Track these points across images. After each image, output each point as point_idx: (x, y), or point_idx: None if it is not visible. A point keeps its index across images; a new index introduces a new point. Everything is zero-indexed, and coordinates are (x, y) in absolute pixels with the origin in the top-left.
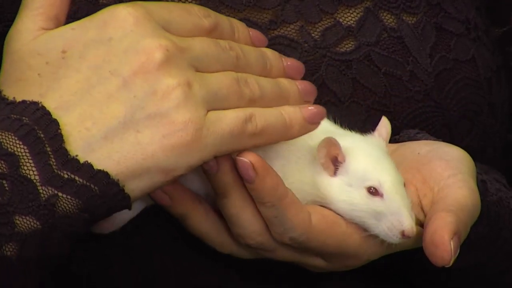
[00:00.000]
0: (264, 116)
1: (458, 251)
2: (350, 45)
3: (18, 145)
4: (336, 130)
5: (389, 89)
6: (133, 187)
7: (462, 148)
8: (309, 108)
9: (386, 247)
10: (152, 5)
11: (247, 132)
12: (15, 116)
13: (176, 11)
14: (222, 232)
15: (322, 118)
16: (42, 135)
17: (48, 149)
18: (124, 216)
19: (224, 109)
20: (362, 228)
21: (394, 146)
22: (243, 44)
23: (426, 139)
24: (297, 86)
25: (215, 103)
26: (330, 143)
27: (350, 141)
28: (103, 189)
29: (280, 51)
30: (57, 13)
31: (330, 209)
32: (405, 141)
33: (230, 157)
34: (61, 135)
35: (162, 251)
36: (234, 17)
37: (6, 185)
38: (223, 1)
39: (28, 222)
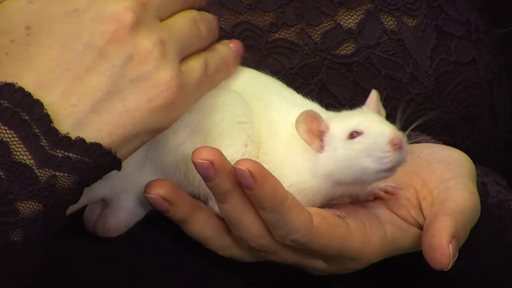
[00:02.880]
0: (212, 60)
1: (457, 254)
2: (350, 47)
3: (4, 131)
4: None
5: (390, 91)
6: (124, 152)
7: (463, 151)
8: (234, 43)
9: (386, 250)
10: None
11: (208, 77)
12: None
13: None
14: (223, 236)
15: (242, 50)
16: (27, 117)
17: (37, 131)
18: (130, 220)
19: (189, 53)
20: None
21: None
22: None
23: (427, 141)
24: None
25: (183, 52)
26: (309, 117)
27: (333, 117)
28: (97, 160)
29: (280, 54)
30: None
31: (343, 184)
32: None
33: (226, 163)
34: (47, 116)
35: (163, 255)
36: (235, 20)
37: (1, 173)
38: (224, 3)
39: (31, 207)
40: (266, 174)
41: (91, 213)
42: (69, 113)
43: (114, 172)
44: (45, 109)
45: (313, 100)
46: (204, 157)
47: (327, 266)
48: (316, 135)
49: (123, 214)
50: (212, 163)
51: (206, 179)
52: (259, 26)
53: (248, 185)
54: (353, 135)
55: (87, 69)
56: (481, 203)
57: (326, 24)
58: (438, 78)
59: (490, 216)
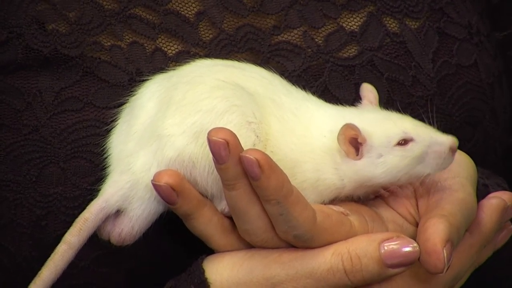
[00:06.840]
0: None
1: (452, 258)
2: (353, 50)
3: None
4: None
5: (392, 94)
6: None
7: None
8: None
9: None
10: None
11: None
12: None
13: None
14: (226, 234)
15: None
16: None
17: None
18: (144, 227)
19: None
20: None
21: None
22: None
23: None
24: None
25: None
26: (348, 129)
27: (364, 121)
28: None
29: (283, 57)
30: None
31: (373, 187)
32: None
33: (240, 147)
34: None
35: (163, 259)
36: (238, 23)
37: None
38: (227, 6)
39: None
40: (273, 166)
41: (105, 224)
42: None
43: (125, 179)
44: None
45: None
46: (220, 136)
47: None
48: (353, 145)
49: (138, 222)
50: (227, 142)
51: (219, 159)
52: (262, 29)
53: (255, 175)
54: (402, 142)
55: None
56: None
57: (329, 27)
58: (440, 81)
59: None
